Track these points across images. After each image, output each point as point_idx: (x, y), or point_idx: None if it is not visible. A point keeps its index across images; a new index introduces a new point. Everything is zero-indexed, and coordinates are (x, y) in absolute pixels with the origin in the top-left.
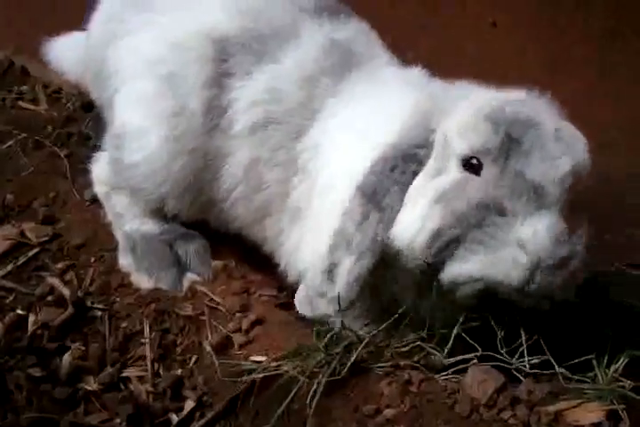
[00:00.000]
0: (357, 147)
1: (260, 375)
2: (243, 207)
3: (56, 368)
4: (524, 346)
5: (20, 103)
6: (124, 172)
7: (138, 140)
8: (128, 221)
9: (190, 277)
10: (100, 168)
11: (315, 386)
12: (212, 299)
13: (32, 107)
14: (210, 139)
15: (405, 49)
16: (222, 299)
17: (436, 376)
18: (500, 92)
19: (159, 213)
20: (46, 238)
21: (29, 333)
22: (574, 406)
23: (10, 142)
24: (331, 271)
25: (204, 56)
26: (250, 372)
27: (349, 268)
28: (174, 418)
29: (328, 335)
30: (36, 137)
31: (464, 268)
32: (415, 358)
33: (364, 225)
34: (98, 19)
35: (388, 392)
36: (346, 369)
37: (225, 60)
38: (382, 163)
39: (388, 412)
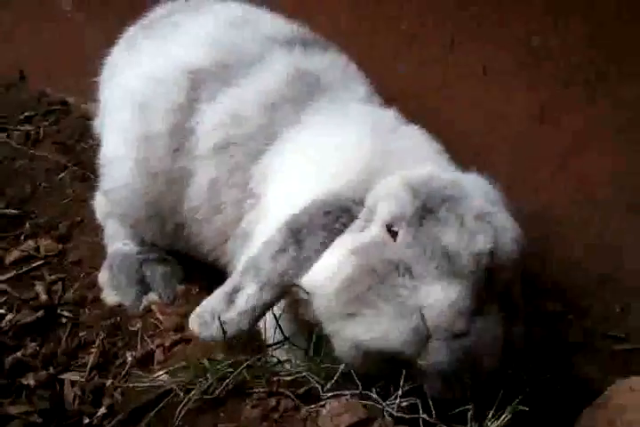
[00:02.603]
0: (301, 184)
1: (145, 385)
2: (206, 229)
3: (4, 361)
4: (400, 389)
5: None
6: (107, 198)
7: (113, 168)
8: (115, 242)
9: (150, 296)
10: (97, 197)
11: (185, 400)
12: (157, 318)
13: None
14: (174, 161)
15: (406, 101)
16: (166, 318)
17: (307, 407)
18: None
19: (142, 237)
20: (53, 253)
21: (0, 328)
22: None
23: (62, 174)
24: (232, 294)
25: (176, 86)
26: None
27: (249, 296)
28: (86, 421)
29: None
30: (85, 171)
31: (359, 331)
32: (294, 388)
33: (278, 258)
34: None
35: (248, 415)
36: (221, 388)
37: (196, 88)
38: (319, 205)
39: None
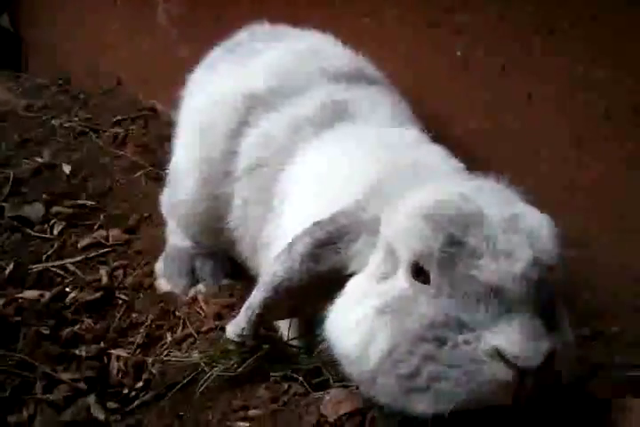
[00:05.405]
0: (312, 202)
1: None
2: (244, 246)
3: (62, 333)
4: None
5: None
6: (172, 206)
7: (181, 182)
8: (174, 236)
9: (198, 287)
10: (164, 194)
11: (207, 376)
12: (201, 306)
13: None
14: (224, 184)
15: (456, 124)
16: (208, 307)
17: (315, 393)
18: (447, 184)
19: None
20: (119, 242)
21: (63, 304)
22: None
23: (139, 173)
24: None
25: (233, 108)
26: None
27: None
28: (125, 392)
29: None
30: (159, 171)
31: (440, 403)
32: (310, 377)
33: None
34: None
35: (261, 395)
36: (241, 368)
37: (249, 112)
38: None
39: (252, 411)
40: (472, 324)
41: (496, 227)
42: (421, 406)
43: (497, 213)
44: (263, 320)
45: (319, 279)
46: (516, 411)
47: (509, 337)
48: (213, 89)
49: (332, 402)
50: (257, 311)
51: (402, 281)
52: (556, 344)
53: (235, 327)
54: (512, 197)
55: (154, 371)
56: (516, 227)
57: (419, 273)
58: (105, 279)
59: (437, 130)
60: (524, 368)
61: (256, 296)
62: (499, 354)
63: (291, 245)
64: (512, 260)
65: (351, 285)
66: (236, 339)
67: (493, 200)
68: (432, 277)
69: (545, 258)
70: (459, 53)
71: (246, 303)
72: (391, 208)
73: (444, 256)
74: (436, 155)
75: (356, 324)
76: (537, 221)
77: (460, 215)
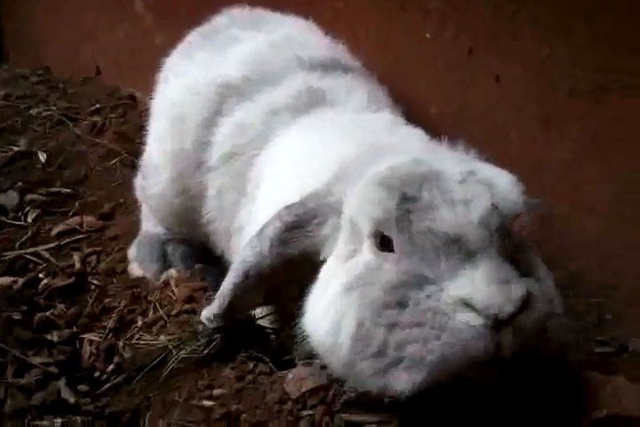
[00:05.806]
0: (285, 186)
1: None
2: (220, 236)
3: (34, 318)
4: None
5: None
6: (145, 197)
7: (154, 176)
8: (147, 221)
9: (170, 272)
10: (137, 181)
11: (174, 357)
12: (172, 290)
13: None
14: (197, 175)
15: (425, 105)
16: (179, 290)
17: (280, 372)
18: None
19: None
20: (94, 229)
21: (36, 290)
22: None
23: (115, 160)
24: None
25: (207, 98)
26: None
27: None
28: (96, 375)
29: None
30: (134, 158)
31: (415, 370)
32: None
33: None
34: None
35: (226, 374)
36: (207, 350)
37: (223, 102)
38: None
39: (217, 391)
40: (434, 278)
41: (452, 180)
42: (400, 382)
43: (453, 169)
44: (236, 306)
45: (291, 263)
46: (503, 376)
47: (475, 285)
48: (188, 80)
49: (295, 380)
50: (228, 298)
51: (367, 254)
52: (532, 289)
53: (207, 313)
54: (469, 158)
55: (125, 354)
56: (473, 178)
57: (382, 242)
58: (78, 265)
59: (407, 111)
60: (498, 317)
61: (228, 283)
62: (465, 304)
63: (261, 229)
64: (469, 208)
65: (322, 270)
66: (208, 325)
67: (449, 160)
68: (394, 241)
69: (505, 205)
70: (428, 36)
71: (219, 290)
72: (353, 188)
73: (400, 214)
74: (413, 138)
75: (325, 308)
76: (495, 173)
77: (412, 175)
